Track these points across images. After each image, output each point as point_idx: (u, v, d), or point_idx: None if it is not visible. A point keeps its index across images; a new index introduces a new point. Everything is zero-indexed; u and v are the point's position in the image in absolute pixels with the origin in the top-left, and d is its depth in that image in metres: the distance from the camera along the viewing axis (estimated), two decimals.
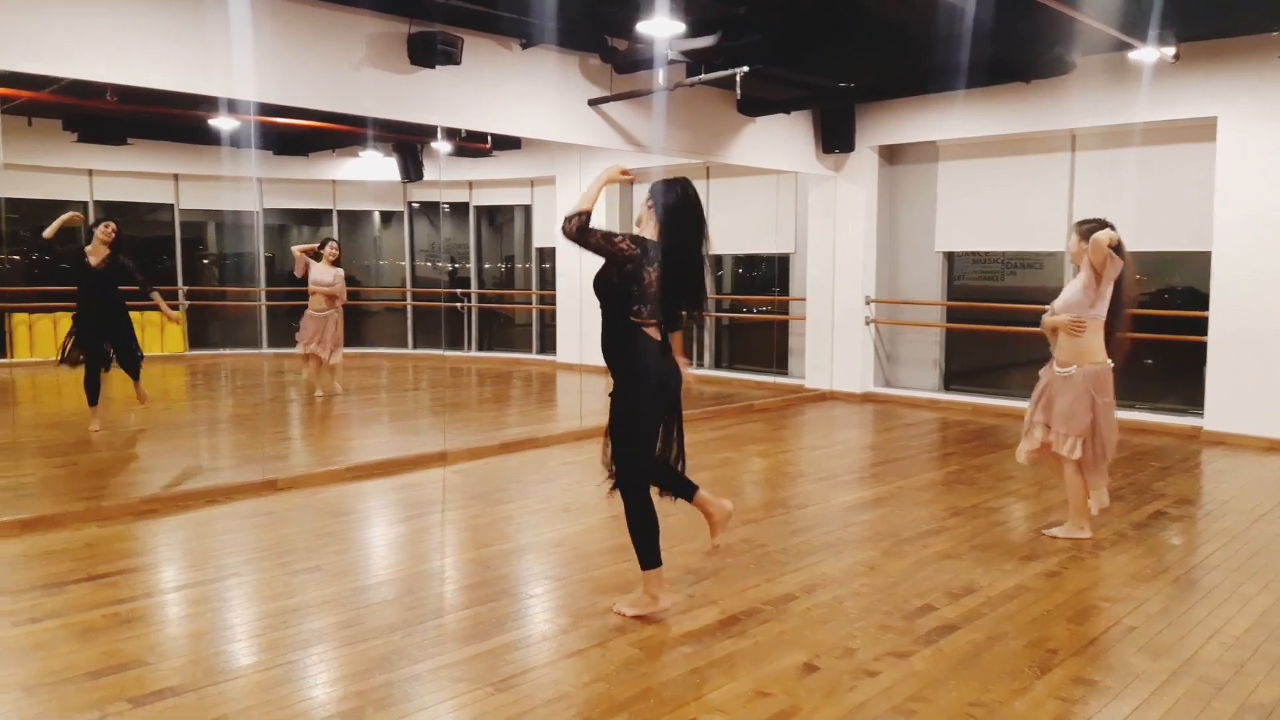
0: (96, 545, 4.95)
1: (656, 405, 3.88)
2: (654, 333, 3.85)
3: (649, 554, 3.94)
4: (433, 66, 6.78)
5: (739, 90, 7.21)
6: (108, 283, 7.69)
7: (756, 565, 4.69)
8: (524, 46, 7.40)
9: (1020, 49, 7.45)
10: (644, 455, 3.89)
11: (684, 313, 3.98)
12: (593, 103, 7.92)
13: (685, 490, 4.16)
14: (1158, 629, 3.90)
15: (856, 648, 3.69)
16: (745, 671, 3.48)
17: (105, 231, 7.73)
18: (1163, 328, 8.99)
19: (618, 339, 3.85)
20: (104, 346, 7.74)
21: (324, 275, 9.66)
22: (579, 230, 3.71)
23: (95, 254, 7.67)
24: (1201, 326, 8.35)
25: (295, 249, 9.71)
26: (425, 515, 5.75)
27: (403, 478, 6.58)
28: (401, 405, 10.00)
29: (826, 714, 3.16)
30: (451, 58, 6.72)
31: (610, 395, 3.94)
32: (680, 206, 3.88)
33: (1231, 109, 7.93)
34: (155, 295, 7.99)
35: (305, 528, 5.37)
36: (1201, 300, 8.43)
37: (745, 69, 6.99)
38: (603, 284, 3.86)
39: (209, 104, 9.79)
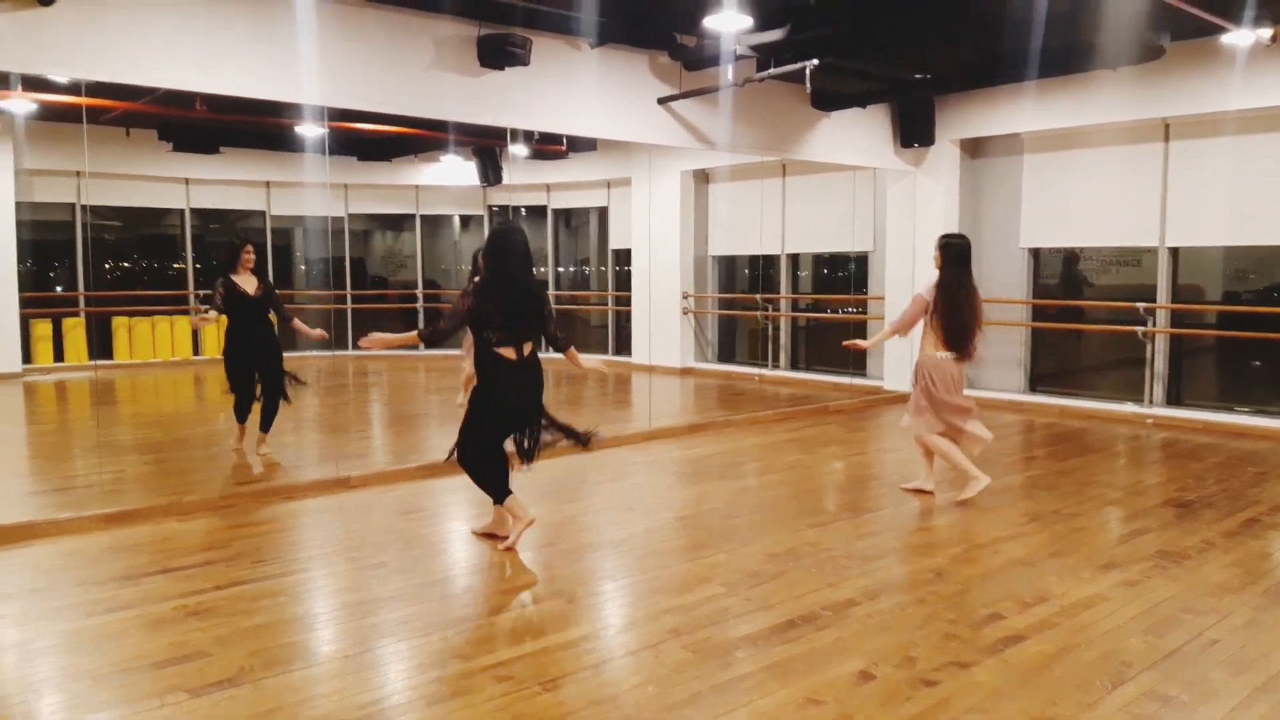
0: (174, 539, 5.12)
1: (500, 410, 4.83)
2: (508, 353, 4.74)
3: (497, 491, 4.88)
4: (502, 68, 6.83)
5: (809, 84, 7.07)
6: (261, 313, 7.04)
7: (819, 569, 4.59)
8: (593, 46, 7.41)
9: (1106, 34, 7.14)
10: (479, 442, 4.88)
11: (541, 329, 4.87)
12: (662, 101, 7.89)
13: (502, 490, 4.93)
14: (1242, 642, 3.68)
15: (917, 656, 3.57)
16: (799, 678, 3.39)
17: (248, 258, 6.98)
18: (1265, 325, 8.54)
19: (481, 358, 4.80)
20: (252, 378, 7.07)
21: None
22: (430, 336, 4.79)
23: (246, 283, 6.95)
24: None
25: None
26: (489, 515, 5.77)
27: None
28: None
29: None
30: (520, 59, 6.76)
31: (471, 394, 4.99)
32: (490, 249, 4.80)
33: None
34: (297, 323, 7.23)
35: (374, 524, 5.46)
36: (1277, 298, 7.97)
37: (815, 62, 6.86)
38: (470, 326, 4.84)
39: (294, 111, 10.08)
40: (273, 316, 7.21)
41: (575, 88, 7.39)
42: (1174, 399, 9.14)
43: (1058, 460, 7.19)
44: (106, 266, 14.35)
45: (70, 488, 6.39)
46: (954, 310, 5.85)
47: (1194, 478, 6.62)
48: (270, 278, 7.60)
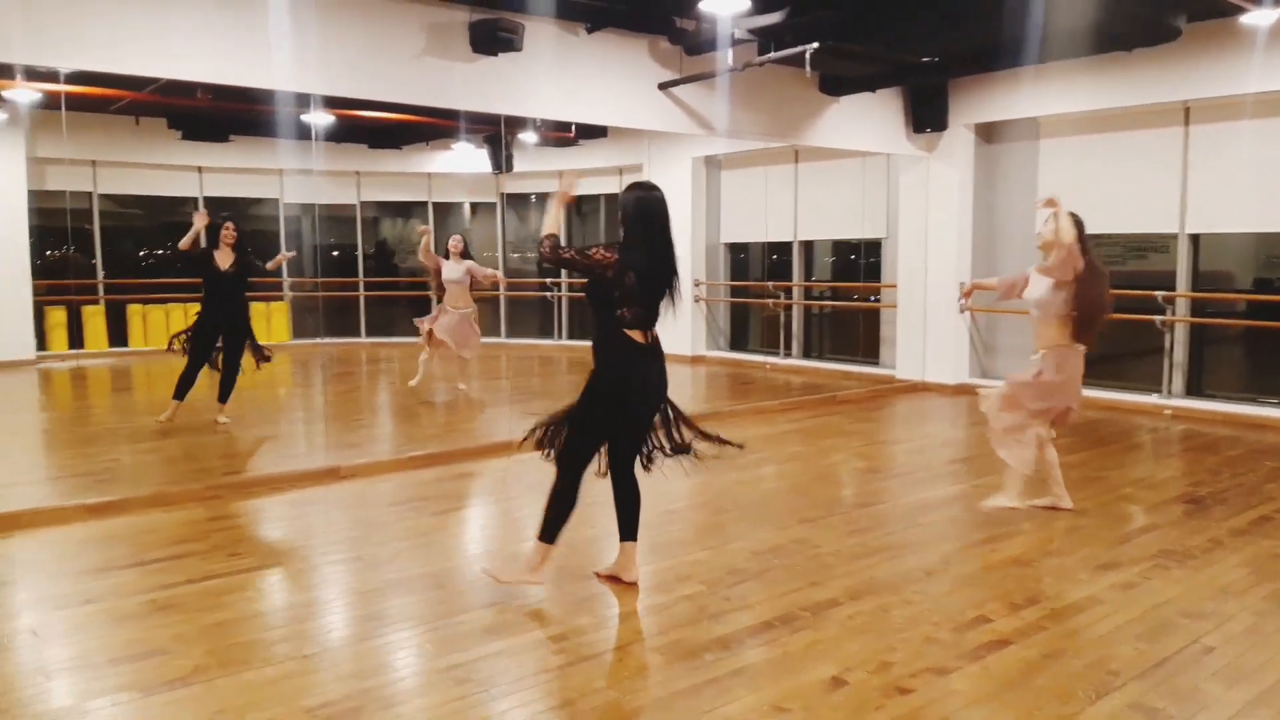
0: (154, 531, 5.06)
1: (621, 404, 4.01)
2: (638, 336, 3.97)
3: (551, 528, 4.07)
4: (495, 54, 6.71)
5: (808, 68, 6.88)
6: (235, 286, 7.60)
7: (804, 568, 4.44)
8: (589, 31, 7.25)
9: (1121, 14, 6.90)
10: (587, 442, 4.07)
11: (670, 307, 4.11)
12: (663, 86, 7.73)
13: (626, 528, 4.25)
14: (1239, 650, 3.50)
15: (894, 661, 3.42)
16: (768, 683, 3.26)
17: (228, 234, 7.56)
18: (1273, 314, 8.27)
19: (604, 339, 3.99)
20: (215, 351, 7.65)
21: (455, 271, 9.25)
22: (553, 251, 3.90)
23: (224, 257, 7.53)
24: None
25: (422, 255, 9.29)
26: (473, 507, 5.71)
27: (464, 466, 6.55)
28: (482, 394, 10.03)
29: None
30: (513, 45, 6.63)
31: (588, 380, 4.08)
32: (633, 211, 3.98)
33: None
34: (270, 264, 7.98)
35: (358, 517, 5.38)
36: None
37: (815, 45, 6.67)
38: (589, 291, 4.01)
39: (300, 99, 10.02)
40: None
41: (572, 73, 7.25)
42: (1194, 390, 8.88)
43: (1067, 453, 6.95)
44: (141, 254, 14.42)
45: (62, 477, 6.37)
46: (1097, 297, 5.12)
47: (1209, 472, 6.40)
48: (251, 253, 7.85)
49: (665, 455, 4.19)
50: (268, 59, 5.89)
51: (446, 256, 9.24)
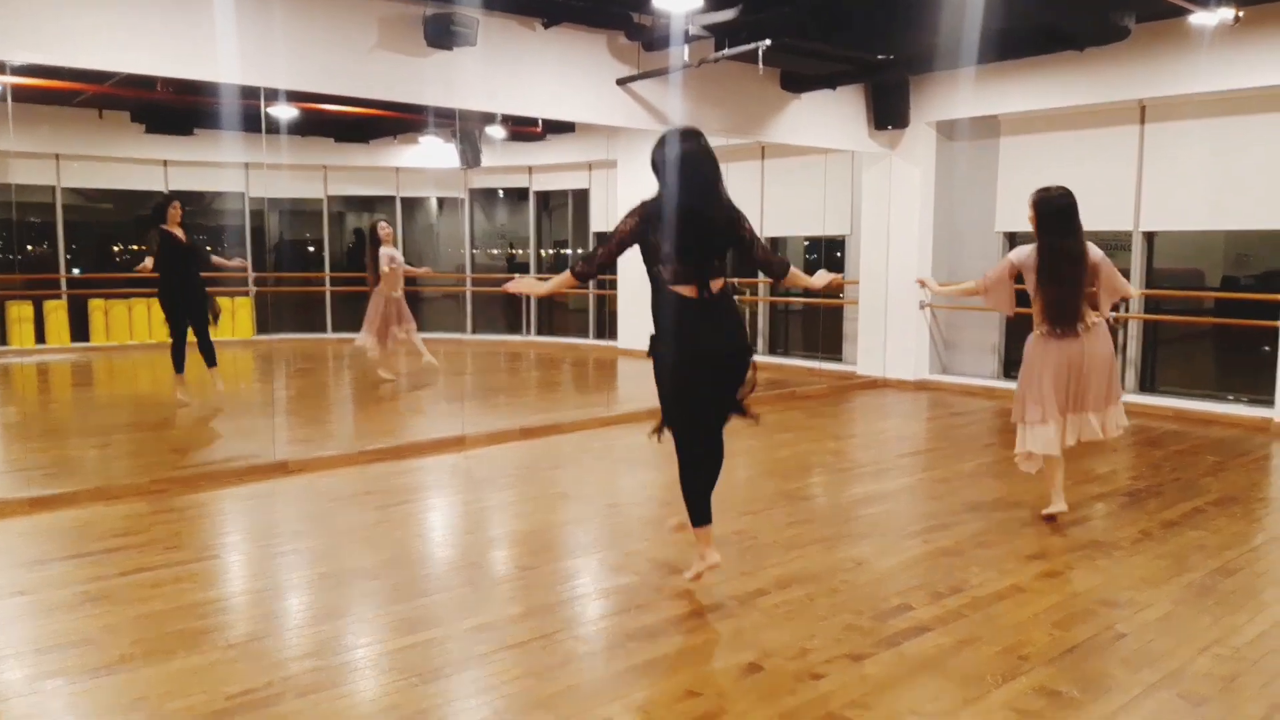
0: (95, 524, 5.06)
1: (682, 363, 3.83)
2: (687, 290, 3.75)
3: (696, 512, 3.92)
4: (450, 48, 6.72)
5: (761, 65, 6.93)
6: (190, 257, 8.09)
7: (739, 558, 4.50)
8: (546, 26, 7.28)
9: (1070, 13, 6.99)
10: (672, 415, 3.91)
11: (743, 255, 3.88)
12: (621, 81, 7.76)
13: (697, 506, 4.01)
14: (1150, 637, 3.58)
15: (812, 648, 3.48)
16: (685, 670, 3.31)
17: (175, 212, 8.03)
18: (1236, 312, 8.40)
19: (652, 300, 3.87)
20: (184, 316, 8.10)
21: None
22: (586, 265, 3.83)
23: (176, 231, 8.02)
24: (1275, 311, 7.74)
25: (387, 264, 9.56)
26: (418, 501, 5.73)
27: (415, 462, 6.57)
28: (443, 389, 10.04)
29: (752, 719, 2.97)
30: (467, 39, 6.65)
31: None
32: (654, 159, 3.84)
33: None
34: (217, 260, 8.51)
35: (301, 511, 5.40)
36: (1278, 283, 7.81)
37: (767, 42, 6.73)
38: (642, 254, 3.87)
39: (267, 93, 9.98)
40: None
41: (528, 68, 7.28)
42: (1147, 386, 9.00)
43: (1013, 447, 7.06)
44: (116, 249, 14.33)
45: (8, 471, 6.35)
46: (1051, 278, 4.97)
47: (1150, 466, 6.50)
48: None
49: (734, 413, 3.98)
50: (215, 52, 5.88)
51: (376, 243, 9.47)
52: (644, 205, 3.79)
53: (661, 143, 3.87)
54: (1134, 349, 8.98)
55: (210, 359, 8.29)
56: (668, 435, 3.99)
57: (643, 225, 3.74)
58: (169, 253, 7.93)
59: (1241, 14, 6.59)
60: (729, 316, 3.86)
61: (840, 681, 3.21)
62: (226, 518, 5.33)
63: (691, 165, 3.77)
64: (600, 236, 13.81)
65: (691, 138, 3.84)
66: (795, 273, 3.99)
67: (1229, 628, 3.67)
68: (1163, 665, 3.34)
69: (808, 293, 11.18)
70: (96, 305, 13.06)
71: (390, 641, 3.56)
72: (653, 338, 3.89)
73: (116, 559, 4.47)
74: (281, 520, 5.24)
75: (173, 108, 11.33)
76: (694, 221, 3.73)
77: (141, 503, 5.45)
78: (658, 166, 3.84)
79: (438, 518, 5.47)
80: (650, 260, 3.80)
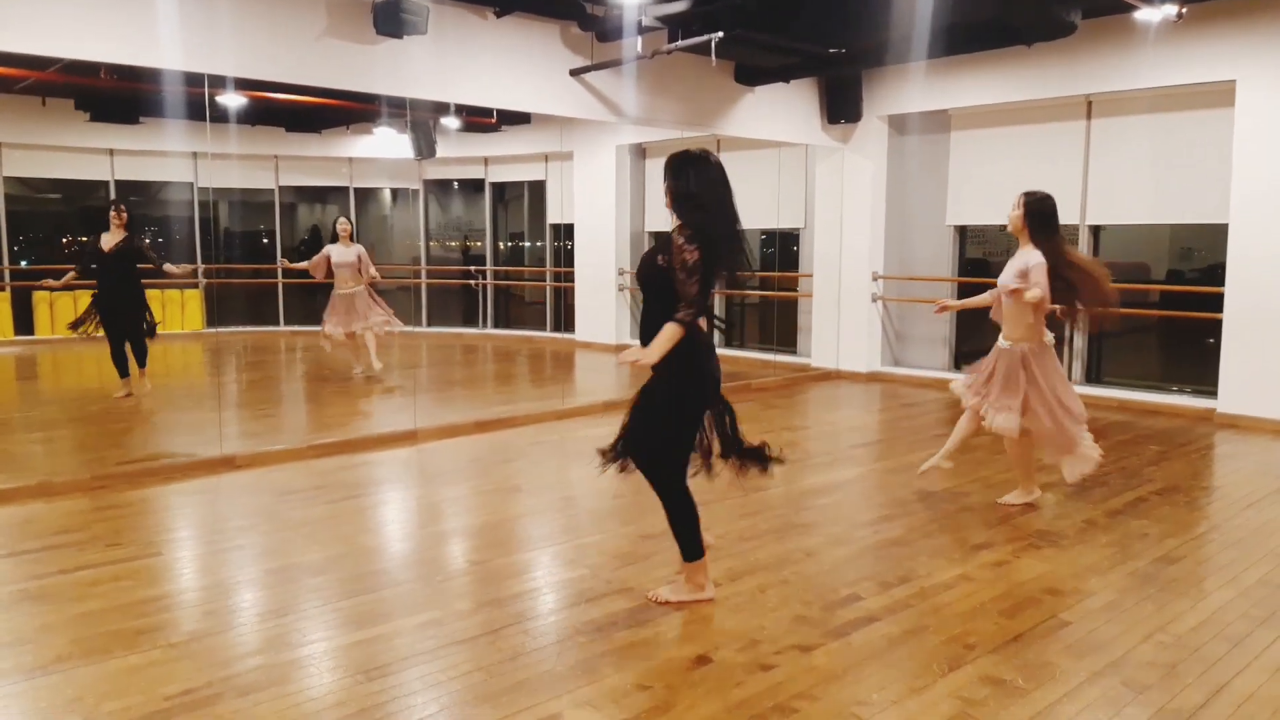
0: (34, 521, 4.93)
1: (703, 398, 3.71)
2: (703, 324, 3.66)
3: (690, 546, 3.80)
4: (400, 36, 6.62)
5: (714, 57, 6.93)
6: (119, 266, 8.06)
7: None
8: (498, 15, 7.21)
9: (1018, 9, 7.07)
10: (684, 445, 3.72)
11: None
12: (574, 72, 7.71)
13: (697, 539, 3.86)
14: (1094, 625, 3.63)
15: (761, 640, 3.49)
16: (634, 663, 3.30)
17: (118, 216, 8.12)
18: (1180, 304, 8.57)
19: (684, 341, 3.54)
20: (120, 325, 8.20)
21: (346, 255, 9.52)
22: (691, 314, 3.49)
23: (111, 238, 8.08)
24: (1218, 303, 7.90)
25: (304, 265, 9.64)
26: (368, 496, 5.65)
27: (366, 456, 6.49)
28: (397, 383, 9.93)
29: (701, 711, 2.97)
30: (417, 27, 6.55)
31: (646, 387, 3.74)
32: (703, 180, 3.58)
33: (1251, 72, 7.45)
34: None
35: (247, 506, 5.30)
36: (1222, 276, 7.96)
37: (719, 35, 6.72)
38: (655, 276, 3.57)
39: (213, 81, 9.78)
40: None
41: (479, 57, 7.20)
42: (1092, 377, 9.15)
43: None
44: (65, 240, 14.00)
45: None
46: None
47: None
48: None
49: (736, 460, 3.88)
50: (156, 38, 5.74)
51: (335, 240, 9.36)
52: (699, 234, 3.49)
53: (694, 163, 3.61)
54: (1080, 341, 9.12)
55: (141, 360, 8.33)
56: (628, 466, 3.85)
57: (709, 255, 3.49)
58: (93, 260, 8.08)
59: (1184, 10, 6.70)
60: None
61: (789, 673, 3.22)
62: (170, 514, 5.22)
63: (729, 192, 3.64)
64: (556, 230, 13.75)
65: (716, 161, 3.65)
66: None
67: (1171, 615, 3.74)
68: (1106, 653, 3.39)
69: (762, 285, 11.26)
70: (41, 297, 12.75)
71: (336, 638, 3.51)
72: (683, 375, 3.62)
73: (56, 556, 4.37)
74: (227, 516, 5.14)
75: (117, 95, 11.06)
76: (736, 252, 3.63)
77: (83, 499, 5.32)
78: (713, 185, 3.59)
79: (388, 513, 5.41)
80: (672, 292, 3.49)
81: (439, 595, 3.97)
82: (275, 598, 3.93)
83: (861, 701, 3.02)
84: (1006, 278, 5.09)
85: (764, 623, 3.65)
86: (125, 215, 8.13)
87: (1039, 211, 5.09)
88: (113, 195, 13.45)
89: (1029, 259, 4.97)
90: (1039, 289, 4.83)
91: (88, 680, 3.16)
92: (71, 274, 8.35)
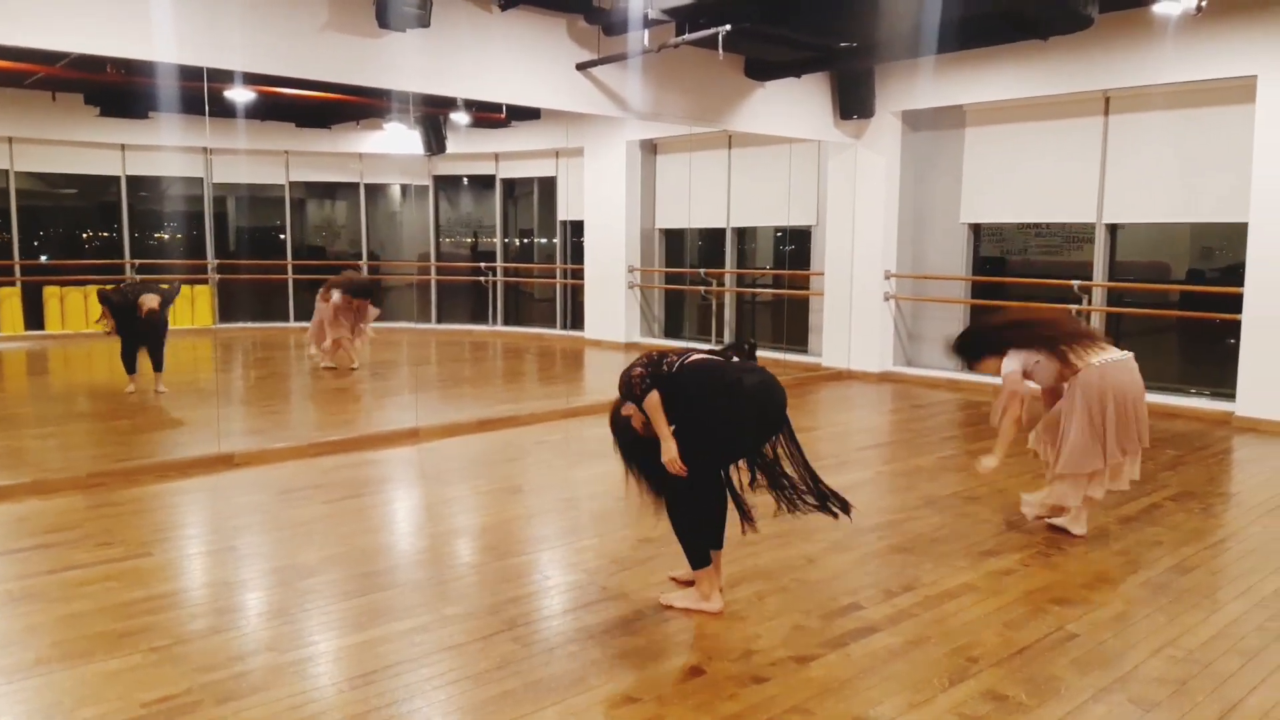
0: (28, 519, 4.89)
1: (734, 411, 3.72)
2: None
3: (695, 553, 3.79)
4: (403, 30, 6.53)
5: (721, 50, 6.81)
6: (149, 318, 8.21)
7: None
8: (503, 8, 7.11)
9: (1034, 2, 6.91)
10: (710, 453, 3.79)
11: None
12: (581, 66, 7.61)
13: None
14: (1103, 638, 3.51)
15: (757, 650, 3.38)
16: (625, 673, 3.21)
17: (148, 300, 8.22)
18: (1199, 305, 8.39)
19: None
20: (139, 343, 8.41)
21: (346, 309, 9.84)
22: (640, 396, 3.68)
23: (147, 301, 8.19)
24: (1238, 304, 7.72)
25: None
26: (366, 496, 5.57)
27: (367, 455, 6.42)
28: (402, 380, 9.87)
29: None
30: (420, 20, 6.46)
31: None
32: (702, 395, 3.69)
33: (1272, 67, 7.27)
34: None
35: (243, 505, 5.24)
36: (1243, 276, 7.77)
37: (727, 27, 6.59)
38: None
39: (224, 75, 9.73)
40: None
41: (484, 51, 7.11)
42: None
43: (975, 440, 7.02)
44: (86, 236, 14.06)
45: None
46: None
47: None
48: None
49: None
50: (158, 30, 5.67)
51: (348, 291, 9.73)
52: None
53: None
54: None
55: (158, 366, 8.44)
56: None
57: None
58: (124, 317, 8.28)
59: (1204, 3, 6.53)
60: None
61: (784, 685, 3.12)
62: (164, 513, 5.16)
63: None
64: (566, 226, 13.66)
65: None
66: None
67: (1183, 627, 3.61)
68: (1114, 668, 3.27)
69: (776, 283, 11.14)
70: (52, 293, 12.79)
71: (321, 644, 3.43)
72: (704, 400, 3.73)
73: (45, 556, 4.31)
74: (221, 516, 5.08)
75: (126, 90, 11.03)
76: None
77: (78, 497, 5.27)
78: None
79: (385, 513, 5.33)
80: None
81: (430, 600, 3.88)
82: (265, 601, 3.86)
83: (857, 716, 2.92)
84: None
85: (760, 632, 3.55)
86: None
87: (972, 345, 5.01)
88: (124, 190, 13.49)
89: (1004, 369, 4.75)
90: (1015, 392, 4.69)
91: (66, 684, 3.10)
92: (105, 324, 8.45)
